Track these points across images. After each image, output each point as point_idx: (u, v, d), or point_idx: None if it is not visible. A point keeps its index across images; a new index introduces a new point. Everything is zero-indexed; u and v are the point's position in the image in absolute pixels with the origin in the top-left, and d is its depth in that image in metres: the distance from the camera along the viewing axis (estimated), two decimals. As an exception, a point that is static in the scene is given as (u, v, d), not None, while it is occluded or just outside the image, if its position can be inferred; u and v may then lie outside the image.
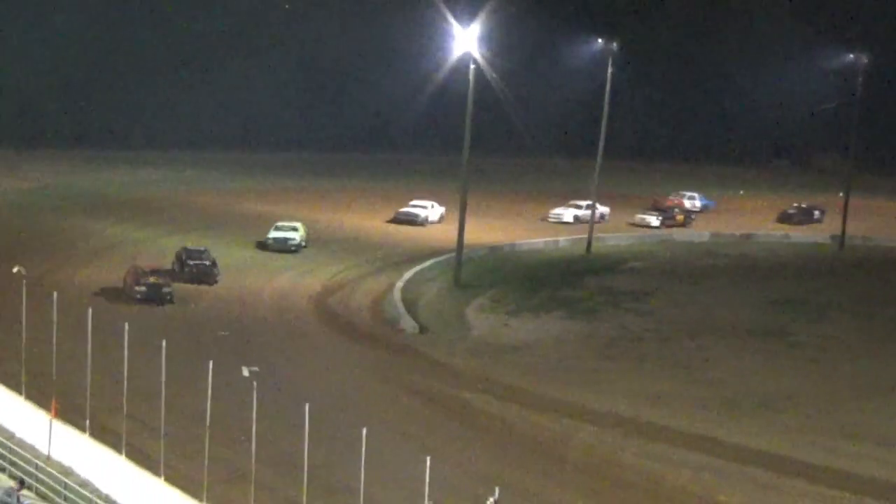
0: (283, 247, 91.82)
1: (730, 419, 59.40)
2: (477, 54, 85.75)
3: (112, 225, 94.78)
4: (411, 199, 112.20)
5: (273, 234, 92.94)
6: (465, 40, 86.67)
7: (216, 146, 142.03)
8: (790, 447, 55.09)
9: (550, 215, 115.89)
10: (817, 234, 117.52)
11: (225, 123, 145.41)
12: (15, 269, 51.50)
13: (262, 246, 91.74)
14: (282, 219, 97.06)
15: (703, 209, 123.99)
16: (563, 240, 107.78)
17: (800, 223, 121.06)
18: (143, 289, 71.44)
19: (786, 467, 52.30)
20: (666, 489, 49.22)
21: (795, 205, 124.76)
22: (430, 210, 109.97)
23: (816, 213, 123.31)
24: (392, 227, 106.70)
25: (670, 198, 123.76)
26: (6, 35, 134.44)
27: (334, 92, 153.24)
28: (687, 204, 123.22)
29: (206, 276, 78.43)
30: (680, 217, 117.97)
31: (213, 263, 79.51)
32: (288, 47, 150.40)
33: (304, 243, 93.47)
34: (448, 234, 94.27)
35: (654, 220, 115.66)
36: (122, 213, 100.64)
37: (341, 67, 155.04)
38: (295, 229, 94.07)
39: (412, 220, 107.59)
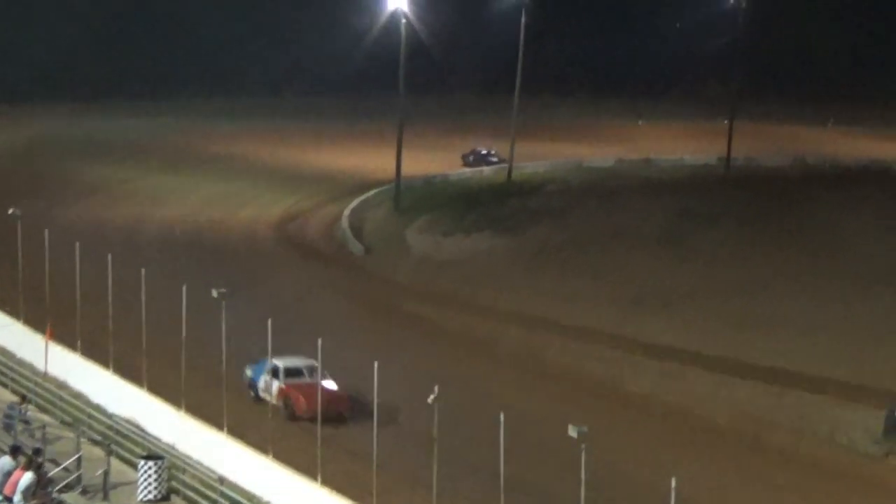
0: None
1: (636, 316, 59.50)
2: (407, 10, 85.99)
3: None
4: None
5: None
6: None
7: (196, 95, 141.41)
8: (687, 339, 55.09)
9: None
10: (708, 156, 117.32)
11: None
12: (10, 211, 50.66)
13: None
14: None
15: None
16: (486, 169, 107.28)
17: (476, 164, 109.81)
18: None
19: (684, 357, 52.43)
20: (583, 381, 49.33)
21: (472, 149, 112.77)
22: None
23: (494, 158, 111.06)
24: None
25: None
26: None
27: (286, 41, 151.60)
28: None
29: None
30: None
31: None
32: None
33: None
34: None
35: None
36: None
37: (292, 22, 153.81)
38: None
39: None
